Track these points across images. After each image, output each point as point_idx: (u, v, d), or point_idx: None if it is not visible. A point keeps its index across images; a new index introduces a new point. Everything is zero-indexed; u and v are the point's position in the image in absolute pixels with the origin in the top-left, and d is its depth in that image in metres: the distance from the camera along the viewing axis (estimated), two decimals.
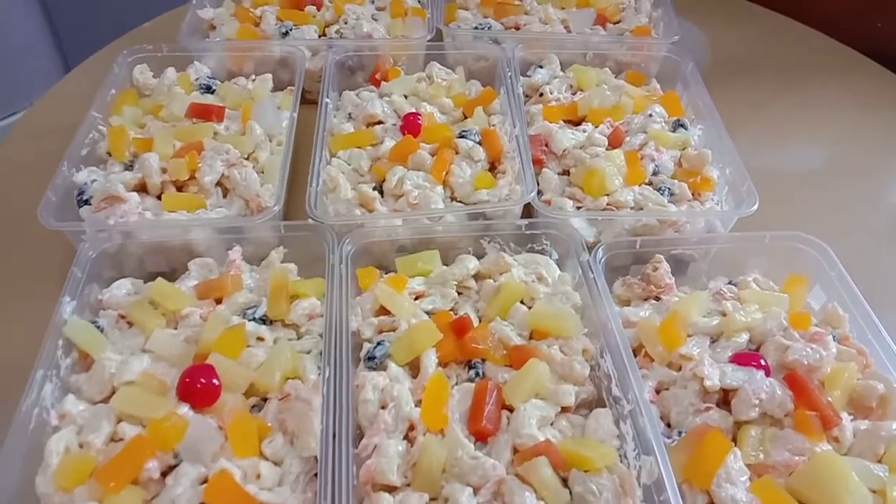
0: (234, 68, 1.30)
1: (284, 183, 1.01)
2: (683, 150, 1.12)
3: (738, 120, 1.19)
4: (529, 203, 0.99)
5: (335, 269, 0.88)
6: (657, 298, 0.92)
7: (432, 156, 1.09)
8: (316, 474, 0.71)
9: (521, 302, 0.89)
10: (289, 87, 1.24)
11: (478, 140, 1.10)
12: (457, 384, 0.80)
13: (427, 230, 0.98)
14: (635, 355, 0.83)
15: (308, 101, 1.25)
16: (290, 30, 1.32)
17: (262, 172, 1.08)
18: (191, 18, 1.35)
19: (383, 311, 0.87)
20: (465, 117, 1.20)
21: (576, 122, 1.19)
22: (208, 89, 1.20)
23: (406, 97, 1.22)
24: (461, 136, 1.10)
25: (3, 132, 2.68)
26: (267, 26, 1.33)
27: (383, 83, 1.24)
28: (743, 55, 1.56)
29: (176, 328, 0.85)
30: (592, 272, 0.88)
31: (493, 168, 1.10)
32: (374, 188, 1.06)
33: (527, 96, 1.27)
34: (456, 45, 1.34)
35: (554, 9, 1.42)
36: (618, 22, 1.44)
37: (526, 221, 0.95)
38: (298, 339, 0.87)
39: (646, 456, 0.71)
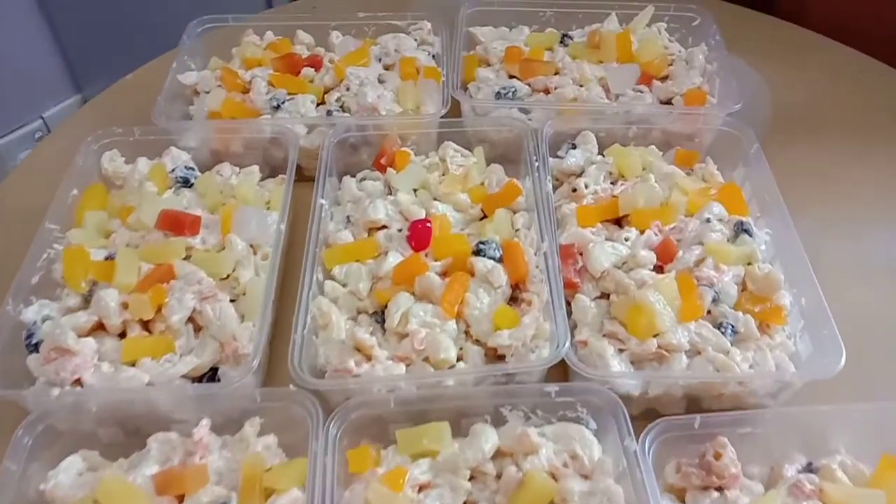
0: (220, 147, 1.13)
1: (266, 321, 0.85)
2: (748, 264, 0.93)
3: (798, 195, 0.99)
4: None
5: (318, 459, 0.72)
6: (719, 489, 0.74)
7: (443, 276, 0.92)
8: None
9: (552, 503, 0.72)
10: (280, 176, 1.07)
11: (498, 256, 0.92)
12: None
13: (435, 385, 0.81)
14: None
15: (305, 178, 1.08)
16: (283, 102, 1.14)
17: (244, 294, 0.91)
18: (170, 85, 1.18)
19: None
20: (484, 215, 1.01)
21: (616, 220, 1.00)
22: (185, 182, 1.04)
23: (416, 191, 1.03)
24: (478, 252, 0.92)
25: (9, 147, 2.58)
26: (257, 96, 1.15)
27: (389, 171, 1.06)
28: (802, 103, 1.34)
29: None
30: (640, 468, 0.71)
31: (516, 287, 0.92)
32: (375, 315, 0.90)
33: (557, 180, 1.08)
34: (475, 114, 1.15)
35: (590, 65, 1.21)
36: (665, 78, 1.23)
37: (556, 387, 0.77)
38: None
39: None
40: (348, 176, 1.08)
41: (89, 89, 2.85)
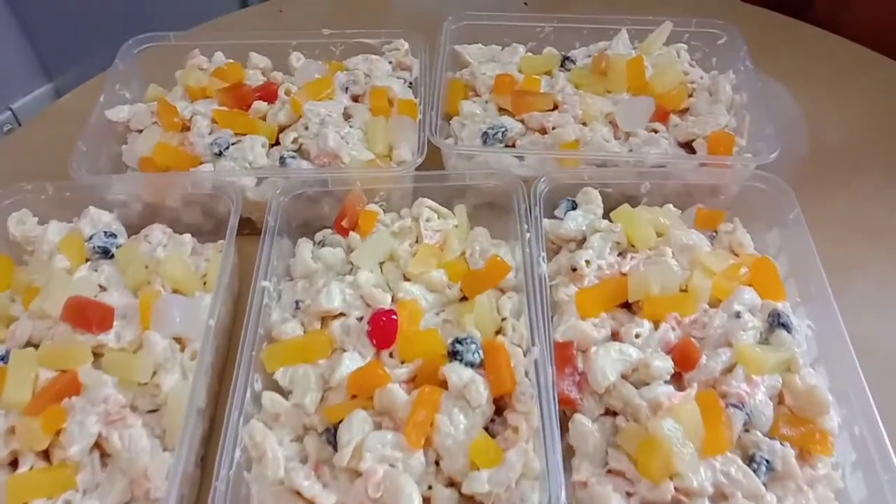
0: (154, 200, 0.94)
1: (192, 439, 0.69)
2: (787, 370, 0.75)
3: (843, 261, 0.82)
4: None
5: None
6: None
7: (411, 383, 0.75)
8: None
9: None
10: (220, 242, 0.89)
11: (478, 361, 0.75)
12: None
13: None
14: None
15: (257, 230, 0.90)
16: (227, 147, 0.95)
17: (167, 405, 0.75)
18: (96, 122, 0.99)
19: None
20: (464, 297, 0.84)
21: (625, 304, 0.82)
22: (105, 253, 0.86)
23: (381, 265, 0.86)
24: (454, 355, 0.75)
25: None
26: (197, 138, 0.97)
27: (352, 236, 0.88)
28: (844, 137, 1.14)
29: None
30: None
31: (500, 398, 0.75)
32: (326, 433, 0.73)
33: (552, 243, 0.91)
34: (457, 155, 0.97)
35: (595, 97, 1.02)
36: (685, 111, 1.04)
37: None
38: None
39: None
40: (304, 239, 0.91)
41: (62, 77, 2.68)
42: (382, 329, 0.77)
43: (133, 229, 0.92)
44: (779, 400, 0.74)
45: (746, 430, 0.71)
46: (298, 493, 0.67)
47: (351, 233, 0.89)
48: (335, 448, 0.71)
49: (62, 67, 2.54)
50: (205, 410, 0.78)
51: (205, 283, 0.86)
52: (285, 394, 0.76)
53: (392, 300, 0.82)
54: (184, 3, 1.86)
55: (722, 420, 0.70)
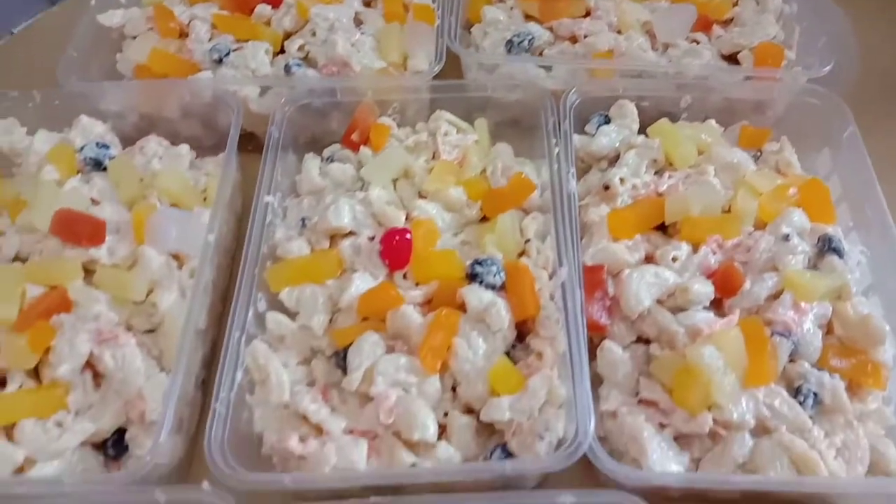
0: (150, 111, 0.88)
1: (190, 362, 0.64)
2: (838, 298, 0.69)
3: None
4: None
5: None
6: None
7: (426, 305, 0.69)
8: None
9: None
10: (220, 155, 0.82)
11: (499, 283, 0.69)
12: None
13: (406, 475, 0.60)
14: None
15: (259, 147, 0.83)
16: (227, 54, 0.87)
17: (163, 324, 0.70)
18: (87, 29, 0.91)
19: None
20: (485, 217, 0.77)
21: (661, 227, 0.75)
22: (97, 165, 0.80)
23: (395, 182, 0.79)
24: (472, 277, 0.69)
25: None
26: (196, 44, 0.89)
27: (363, 151, 0.81)
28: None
29: None
30: None
31: (523, 324, 0.69)
32: (335, 356, 0.67)
33: (582, 161, 0.83)
34: (479, 67, 0.89)
35: (631, 3, 0.93)
36: (729, 22, 0.94)
37: (572, 497, 0.55)
38: None
39: None
40: (311, 155, 0.84)
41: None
42: (396, 249, 0.71)
43: (128, 142, 0.85)
44: (827, 329, 0.68)
45: (792, 361, 0.65)
46: (304, 418, 0.63)
47: (362, 148, 0.82)
48: (344, 372, 0.66)
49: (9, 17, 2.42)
50: (206, 332, 0.73)
51: (205, 199, 0.79)
52: (291, 315, 0.70)
53: (406, 219, 0.75)
54: None
55: (766, 349, 0.64)
